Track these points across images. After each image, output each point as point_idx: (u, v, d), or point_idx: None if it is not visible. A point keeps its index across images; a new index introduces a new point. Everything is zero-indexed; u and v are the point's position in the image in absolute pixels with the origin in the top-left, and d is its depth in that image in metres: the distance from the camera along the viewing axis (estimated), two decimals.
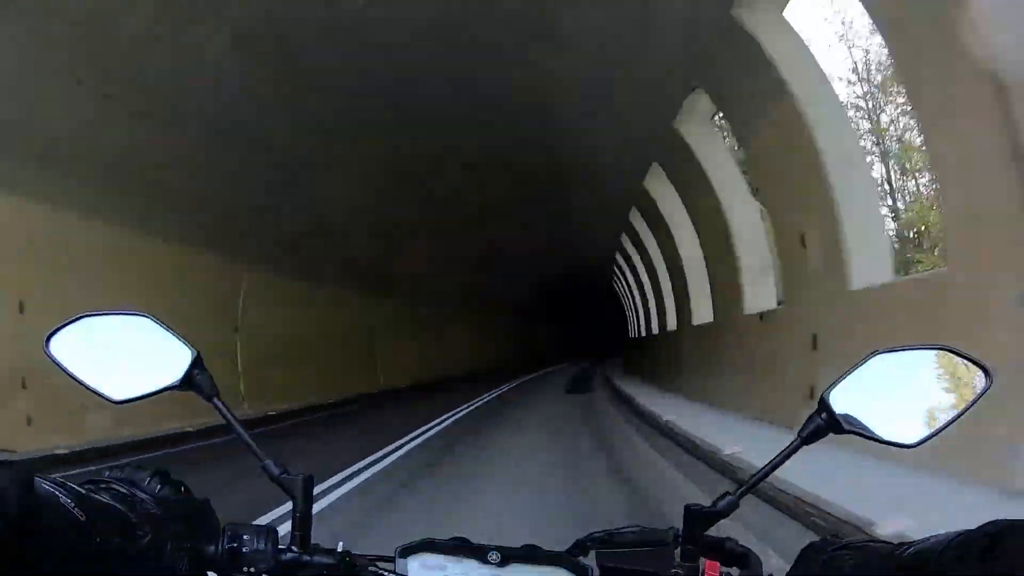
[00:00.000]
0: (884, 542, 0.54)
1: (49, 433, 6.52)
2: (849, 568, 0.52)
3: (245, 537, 0.61)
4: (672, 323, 13.47)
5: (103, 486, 0.55)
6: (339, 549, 0.63)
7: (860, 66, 22.19)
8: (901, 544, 0.48)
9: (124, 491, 0.56)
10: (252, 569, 0.60)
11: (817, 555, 0.56)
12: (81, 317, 0.66)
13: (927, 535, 0.44)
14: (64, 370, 0.63)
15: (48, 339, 0.64)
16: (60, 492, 0.45)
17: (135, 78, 6.68)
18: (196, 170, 8.66)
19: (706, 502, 0.61)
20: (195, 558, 0.58)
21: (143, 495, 0.57)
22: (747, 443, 5.12)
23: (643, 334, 19.31)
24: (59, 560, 0.44)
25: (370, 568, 0.63)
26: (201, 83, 7.23)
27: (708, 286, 9.97)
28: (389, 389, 16.20)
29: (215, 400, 0.64)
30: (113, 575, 0.52)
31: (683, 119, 8.43)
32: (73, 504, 0.46)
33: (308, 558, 0.62)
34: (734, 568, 0.61)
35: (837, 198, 5.12)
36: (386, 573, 0.62)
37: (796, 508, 3.47)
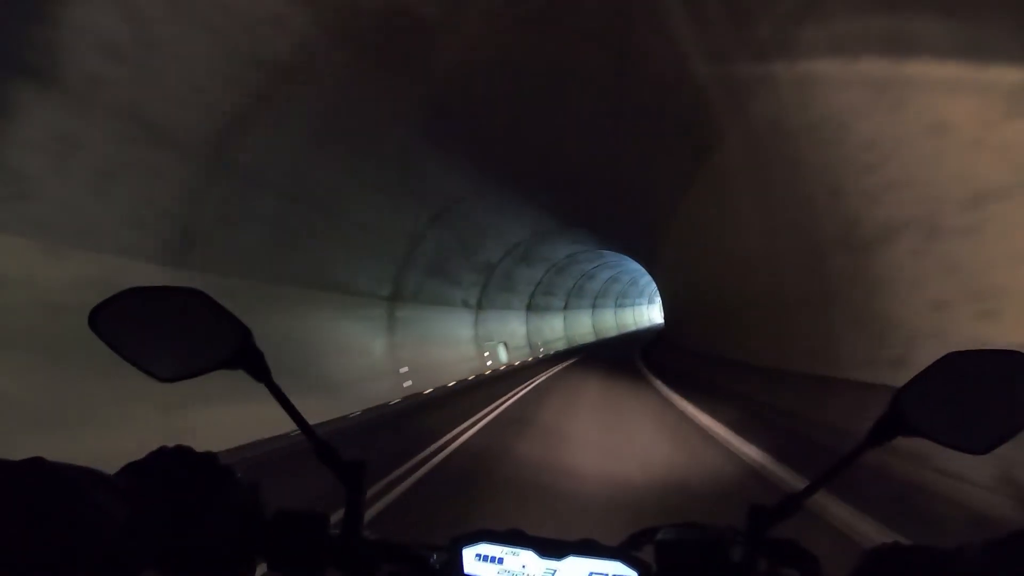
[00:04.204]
0: (932, 546, 0.54)
1: None
2: (912, 572, 0.51)
3: (294, 524, 0.60)
4: None
5: (147, 475, 0.54)
6: (392, 538, 0.62)
7: None
8: (964, 546, 0.47)
9: (167, 479, 0.54)
10: (302, 555, 0.59)
11: (879, 559, 0.55)
12: (129, 291, 0.63)
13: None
14: (109, 345, 0.61)
15: (94, 313, 0.61)
16: (99, 487, 0.45)
17: None
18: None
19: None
20: (242, 545, 0.57)
21: (189, 481, 0.56)
22: None
23: None
24: (104, 553, 0.43)
25: (423, 557, 0.61)
26: None
27: None
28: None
29: (268, 380, 0.62)
30: (158, 563, 0.51)
31: None
32: (112, 499, 0.45)
33: (359, 546, 0.60)
34: (794, 570, 0.60)
35: None
36: (441, 563, 0.61)
37: None
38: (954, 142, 3.12)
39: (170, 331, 0.64)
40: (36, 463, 0.42)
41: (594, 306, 28.91)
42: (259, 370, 0.62)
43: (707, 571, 0.59)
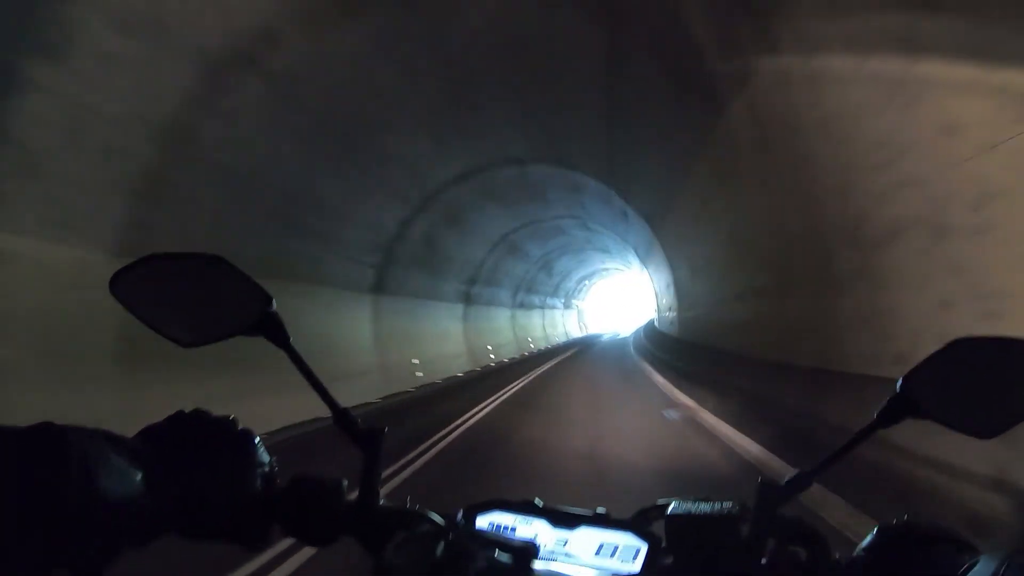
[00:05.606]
0: (945, 525, 0.55)
1: None
2: (924, 550, 0.52)
3: (311, 490, 0.60)
4: None
5: (164, 438, 0.55)
6: (407, 505, 0.62)
7: None
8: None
9: (185, 442, 0.55)
10: (318, 521, 0.60)
11: (889, 537, 0.56)
12: (150, 257, 0.63)
13: None
14: (130, 310, 0.61)
15: (115, 279, 0.61)
16: (113, 450, 0.46)
17: None
18: None
19: None
20: (261, 510, 0.58)
21: (207, 444, 0.56)
22: None
23: None
24: (119, 518, 0.43)
25: (438, 525, 0.62)
26: None
27: None
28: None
29: (288, 346, 0.63)
30: (176, 528, 0.52)
31: None
32: (127, 463, 0.46)
33: (375, 513, 0.61)
34: (802, 548, 0.61)
35: None
36: (455, 531, 0.62)
37: None
38: (965, 144, 3.11)
39: (191, 297, 0.64)
40: (44, 428, 0.42)
41: (468, 298, 15.13)
42: (280, 337, 0.63)
43: (716, 546, 0.60)
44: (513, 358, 17.95)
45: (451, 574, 0.52)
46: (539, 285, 22.67)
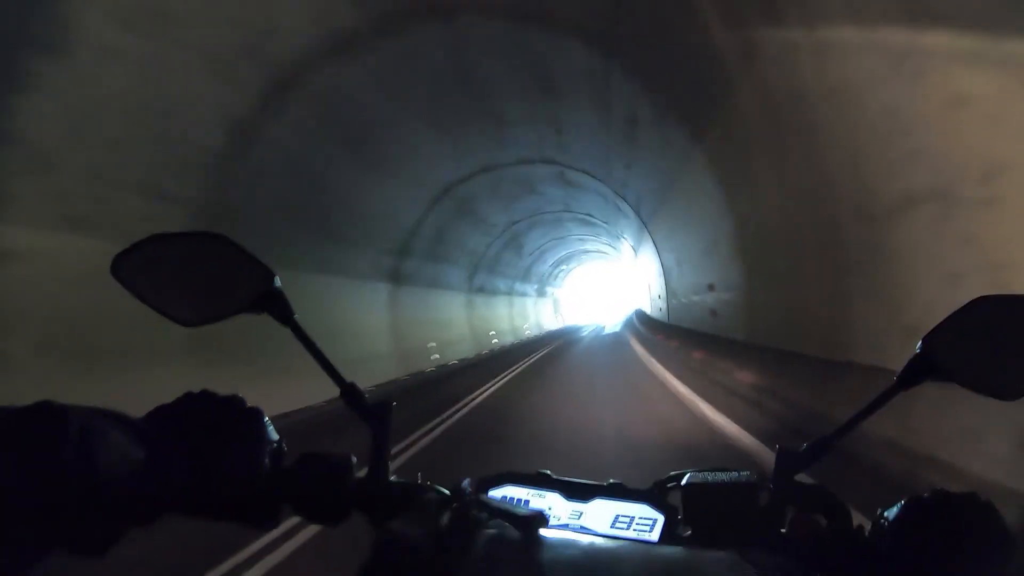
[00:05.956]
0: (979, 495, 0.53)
1: None
2: (951, 521, 0.51)
3: (320, 467, 0.59)
4: None
5: (172, 417, 0.54)
6: (417, 480, 0.62)
7: None
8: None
9: (192, 421, 0.54)
10: (327, 499, 0.59)
11: (919, 509, 0.54)
12: (151, 238, 0.62)
13: None
14: (132, 292, 0.61)
15: (116, 261, 0.61)
16: (116, 429, 0.45)
17: None
18: None
19: None
20: (269, 488, 0.57)
21: (215, 423, 0.56)
22: None
23: None
24: (121, 496, 0.43)
25: (449, 500, 0.61)
26: None
27: None
28: None
29: (293, 323, 0.62)
30: (181, 507, 0.51)
31: None
32: (130, 441, 0.45)
33: (385, 489, 0.60)
34: (822, 516, 0.59)
35: None
36: (467, 505, 0.61)
37: None
38: (973, 115, 3.07)
39: (194, 276, 0.64)
40: (43, 407, 0.41)
41: (396, 277, 10.52)
42: (284, 313, 0.62)
43: (733, 516, 0.59)
44: (466, 359, 13.49)
45: (457, 542, 0.51)
46: (505, 266, 17.97)
